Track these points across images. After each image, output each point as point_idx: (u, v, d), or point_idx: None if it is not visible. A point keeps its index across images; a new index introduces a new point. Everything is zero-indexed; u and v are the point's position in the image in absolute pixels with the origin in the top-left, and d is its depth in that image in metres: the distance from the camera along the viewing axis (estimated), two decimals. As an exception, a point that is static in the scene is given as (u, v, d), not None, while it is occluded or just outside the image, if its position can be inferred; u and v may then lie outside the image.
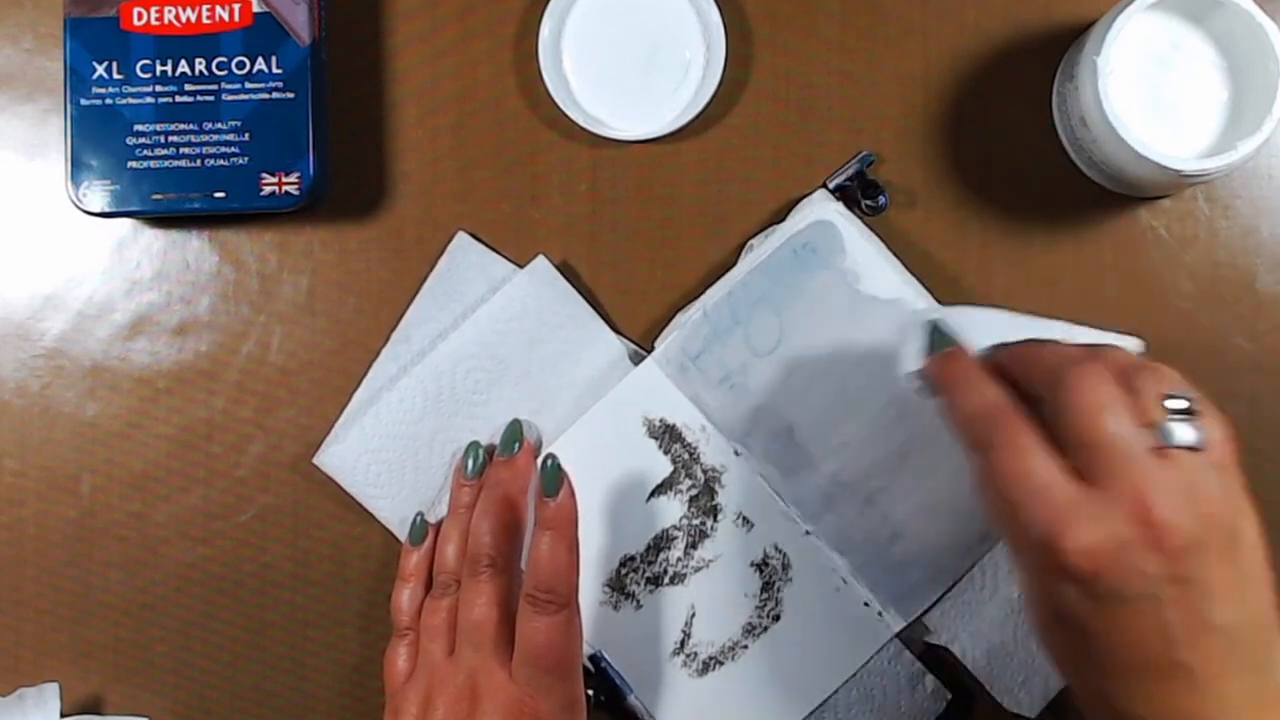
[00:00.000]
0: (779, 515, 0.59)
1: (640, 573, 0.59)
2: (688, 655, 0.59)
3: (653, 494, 0.60)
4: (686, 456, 0.59)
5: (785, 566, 0.59)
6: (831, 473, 0.59)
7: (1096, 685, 0.46)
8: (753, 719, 0.59)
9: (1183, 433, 0.44)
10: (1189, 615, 0.43)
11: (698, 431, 0.59)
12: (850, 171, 0.60)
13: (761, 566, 0.59)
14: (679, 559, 0.59)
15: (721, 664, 0.59)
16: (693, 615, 0.59)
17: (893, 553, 0.59)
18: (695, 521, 0.59)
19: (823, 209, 0.59)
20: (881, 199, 0.59)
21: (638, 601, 0.60)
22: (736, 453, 0.59)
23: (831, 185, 0.60)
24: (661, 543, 0.59)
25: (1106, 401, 0.44)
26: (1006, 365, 0.49)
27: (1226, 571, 0.44)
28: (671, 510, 0.60)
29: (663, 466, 0.60)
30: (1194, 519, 0.43)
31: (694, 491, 0.59)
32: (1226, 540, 0.44)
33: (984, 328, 0.52)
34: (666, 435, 0.59)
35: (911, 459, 0.58)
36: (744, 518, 0.59)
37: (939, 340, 0.52)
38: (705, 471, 0.59)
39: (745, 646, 0.59)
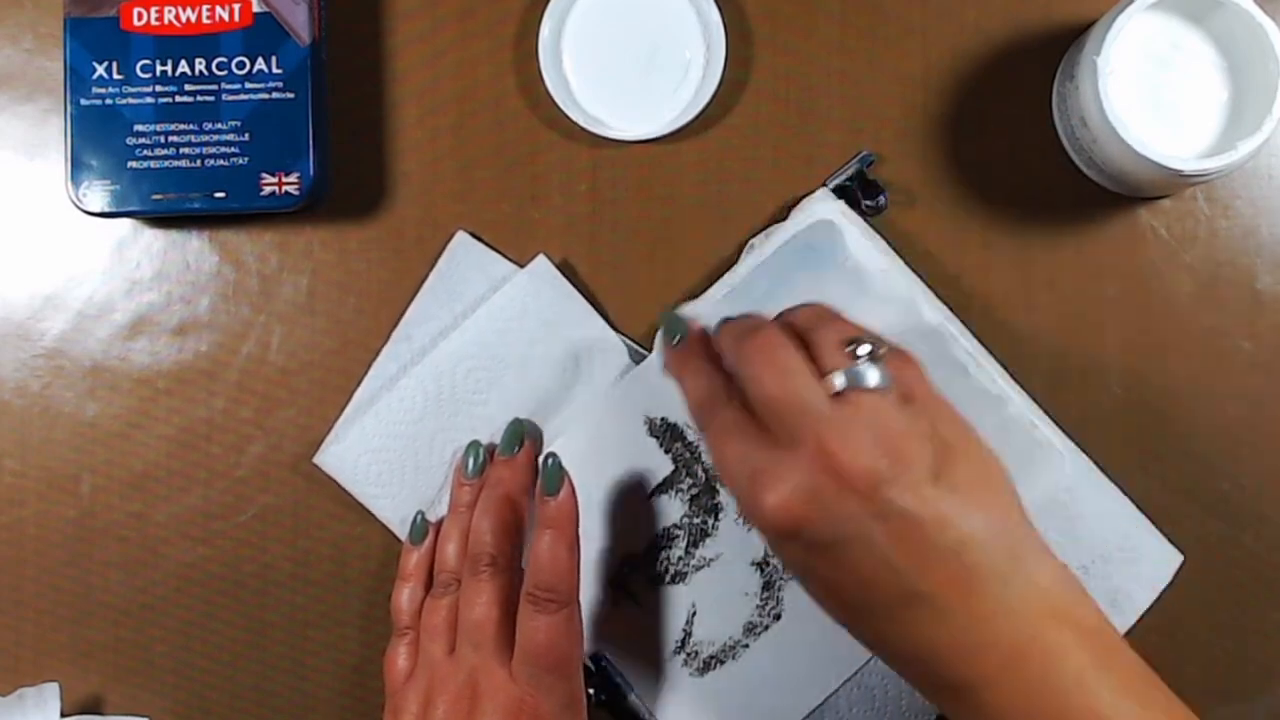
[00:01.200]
0: None
1: (641, 571, 0.59)
2: (689, 654, 0.59)
3: (654, 492, 0.60)
4: (688, 455, 0.59)
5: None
6: None
7: (860, 628, 0.47)
8: (753, 718, 0.59)
9: (862, 376, 0.45)
10: (909, 546, 0.44)
11: (699, 431, 0.59)
12: (850, 171, 0.60)
13: (763, 565, 0.59)
14: (680, 558, 0.59)
15: (722, 663, 0.59)
16: (694, 614, 0.59)
17: None
18: (696, 520, 0.59)
19: (824, 208, 0.59)
20: (881, 199, 0.60)
21: (638, 600, 0.60)
22: None
23: (831, 185, 0.60)
24: (662, 541, 0.59)
25: (778, 364, 0.46)
26: (717, 347, 0.51)
27: (937, 494, 0.44)
28: (673, 509, 0.60)
29: (664, 465, 0.60)
30: (881, 455, 0.44)
31: (695, 490, 0.59)
32: (930, 465, 0.44)
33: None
34: (668, 434, 0.59)
35: None
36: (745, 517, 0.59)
37: (673, 328, 0.53)
38: (706, 470, 0.59)
39: (746, 645, 0.59)
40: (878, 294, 0.58)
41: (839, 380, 0.45)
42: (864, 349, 0.46)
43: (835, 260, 0.58)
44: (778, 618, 0.59)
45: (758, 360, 0.46)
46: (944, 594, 0.44)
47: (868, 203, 0.60)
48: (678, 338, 0.52)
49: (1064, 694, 0.44)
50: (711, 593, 0.59)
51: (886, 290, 0.58)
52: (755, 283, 0.59)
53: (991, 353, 0.59)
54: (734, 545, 0.59)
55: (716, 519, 0.59)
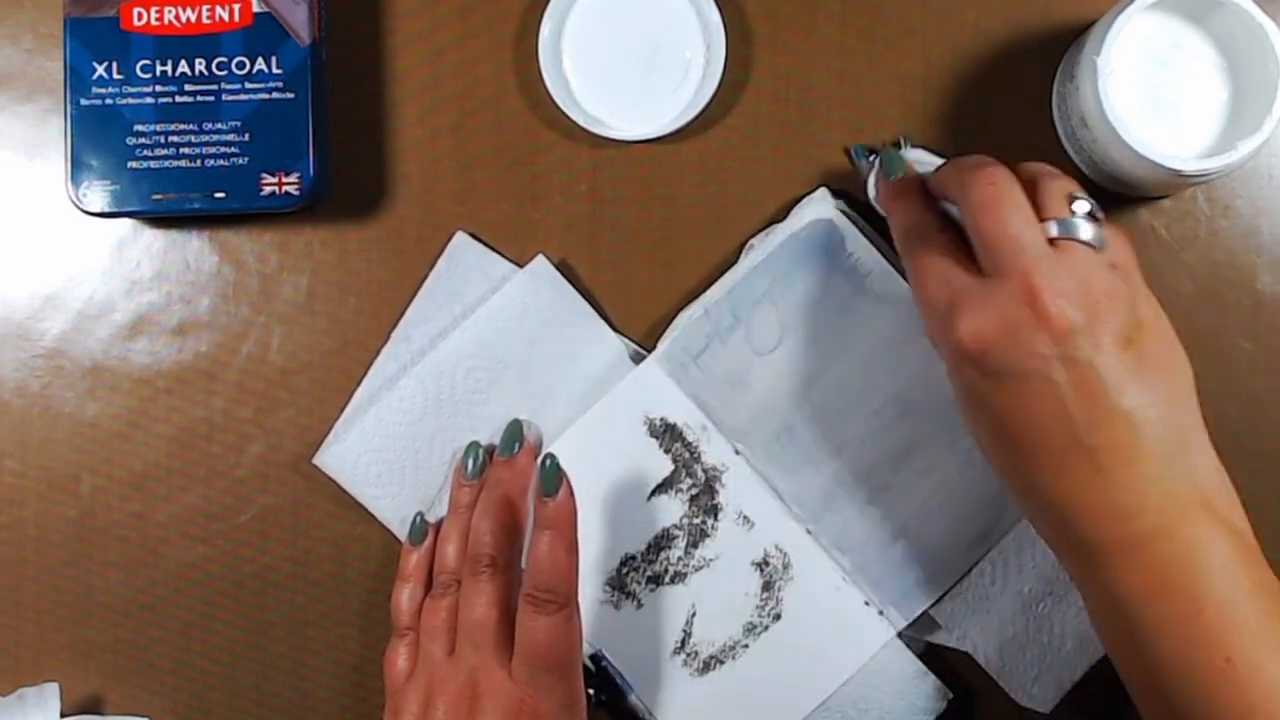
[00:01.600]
0: (780, 514, 0.59)
1: (641, 572, 0.60)
2: (688, 654, 0.59)
3: (653, 493, 0.60)
4: (687, 455, 0.59)
5: (786, 566, 0.59)
6: (832, 472, 0.59)
7: (1013, 470, 0.49)
8: (753, 718, 0.59)
9: (1079, 228, 0.47)
10: (1086, 397, 0.46)
11: (698, 430, 0.59)
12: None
13: (762, 566, 0.59)
14: (679, 558, 0.59)
15: (722, 663, 0.59)
16: (693, 614, 0.59)
17: (894, 552, 0.59)
18: (696, 520, 0.59)
19: (823, 207, 0.59)
20: None
21: (638, 601, 0.60)
22: (737, 451, 0.59)
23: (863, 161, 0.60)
24: (662, 542, 0.59)
25: (1001, 198, 0.48)
26: (937, 184, 0.53)
27: (1124, 358, 0.46)
28: (672, 509, 0.60)
29: (663, 465, 0.60)
30: (1082, 305, 0.46)
31: (694, 491, 0.59)
32: (1124, 329, 0.46)
33: None
34: (667, 434, 0.59)
35: (913, 457, 0.58)
36: (745, 517, 0.59)
37: (893, 166, 0.56)
38: (706, 471, 0.59)
39: (746, 646, 0.59)
40: (876, 292, 0.58)
41: (1056, 227, 0.47)
42: (1085, 205, 0.48)
43: (834, 259, 0.58)
44: (778, 618, 0.59)
45: (984, 191, 0.48)
46: (1107, 452, 0.46)
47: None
48: (895, 174, 0.55)
49: (1200, 576, 0.46)
50: (711, 593, 0.59)
51: (885, 288, 0.58)
52: (755, 282, 0.59)
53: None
54: (733, 546, 0.59)
55: (716, 519, 0.59)
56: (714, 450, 0.59)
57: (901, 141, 0.60)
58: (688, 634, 0.59)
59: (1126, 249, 0.50)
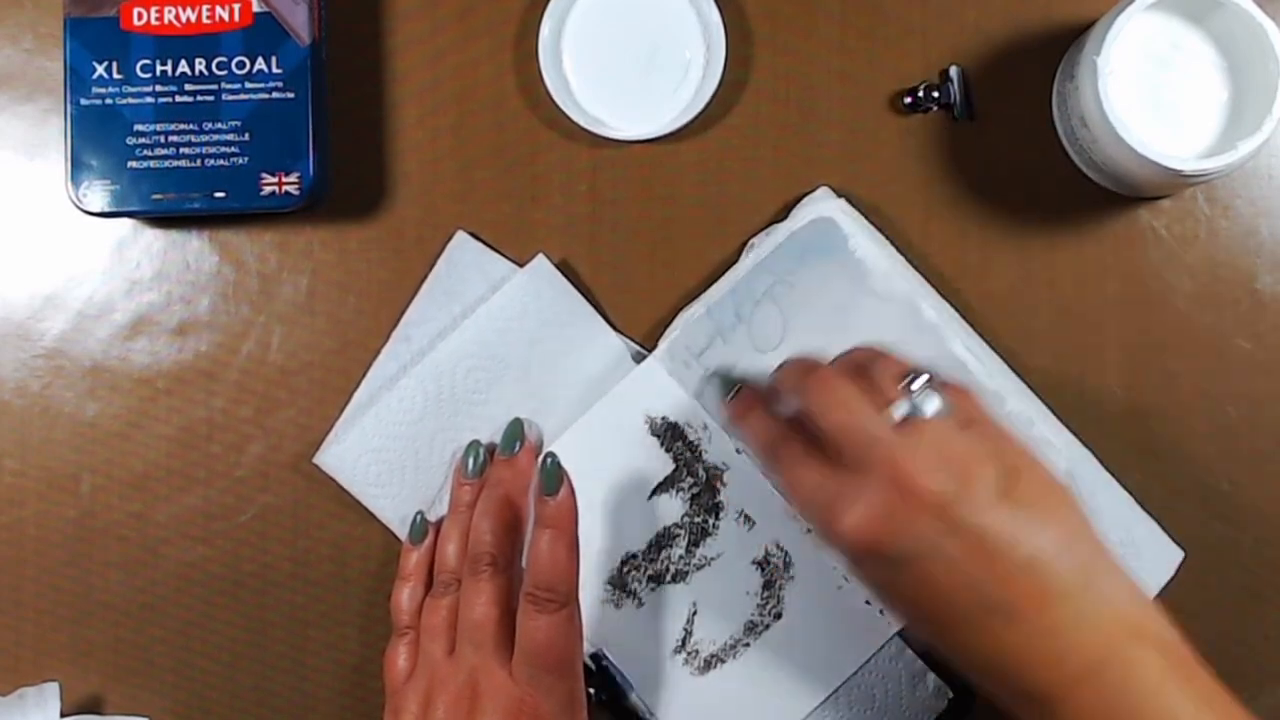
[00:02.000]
0: (781, 513, 0.59)
1: (642, 570, 0.59)
2: (689, 653, 0.59)
3: (654, 492, 0.60)
4: (689, 454, 0.59)
5: (787, 565, 0.59)
6: None
7: (940, 639, 0.49)
8: (754, 717, 0.59)
9: (923, 404, 0.48)
10: (982, 560, 0.46)
11: (700, 429, 0.59)
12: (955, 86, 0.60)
13: (763, 565, 0.59)
14: (681, 557, 0.59)
15: (723, 662, 0.59)
16: (694, 613, 0.59)
17: None
18: (697, 519, 0.59)
19: (825, 206, 0.59)
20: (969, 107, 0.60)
21: (639, 599, 0.60)
22: (739, 450, 0.59)
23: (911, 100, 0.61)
24: (663, 540, 0.59)
25: (839, 398, 0.49)
26: (776, 390, 0.55)
27: (1007, 510, 0.47)
28: (673, 508, 0.60)
29: (665, 464, 0.60)
30: (951, 474, 0.47)
31: (696, 489, 0.59)
32: (996, 483, 0.47)
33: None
34: (669, 433, 0.59)
35: None
36: (746, 516, 0.59)
37: (725, 387, 0.59)
38: (707, 469, 0.59)
39: (747, 645, 0.59)
40: (878, 291, 0.58)
41: (900, 410, 0.48)
42: (920, 380, 0.49)
43: (836, 257, 0.59)
44: (778, 617, 0.59)
45: (823, 395, 0.50)
46: (1020, 604, 0.46)
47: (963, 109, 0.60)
48: (733, 393, 0.58)
49: (1142, 703, 0.46)
50: (712, 592, 0.59)
51: (886, 287, 0.58)
52: (757, 280, 0.59)
53: (995, 350, 0.60)
54: (735, 544, 0.59)
55: (717, 518, 0.59)
56: (716, 449, 0.59)
57: (959, 75, 0.60)
58: (689, 632, 0.59)
59: (972, 401, 0.50)
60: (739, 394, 0.57)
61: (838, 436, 0.49)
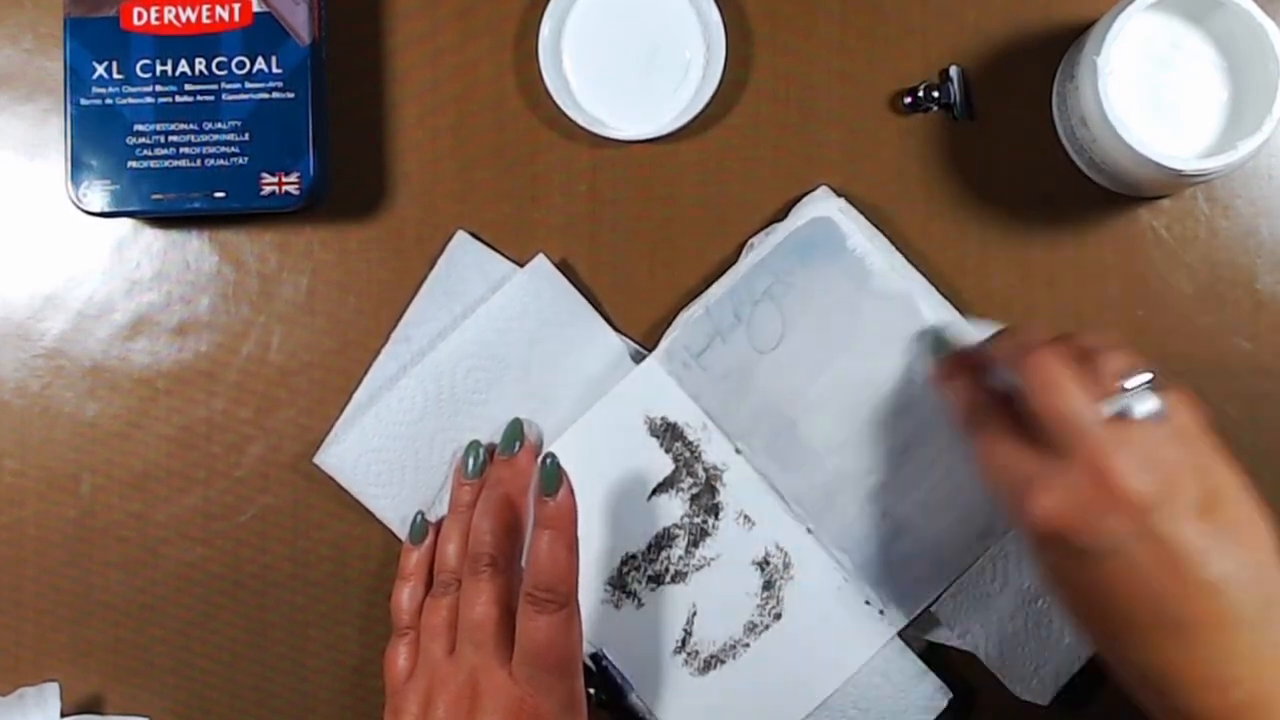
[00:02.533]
0: (780, 513, 0.59)
1: (642, 571, 0.59)
2: (689, 654, 0.59)
3: (654, 492, 0.60)
4: (688, 455, 0.59)
5: (787, 565, 0.59)
6: (833, 469, 0.59)
7: (1106, 642, 0.49)
8: (754, 717, 0.59)
9: (1139, 404, 0.47)
10: (1169, 572, 0.46)
11: (699, 430, 0.59)
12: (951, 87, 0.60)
13: (763, 565, 0.59)
14: (680, 557, 0.59)
15: (723, 662, 0.59)
16: (694, 614, 0.59)
17: (894, 550, 0.59)
18: (696, 520, 0.59)
19: (824, 206, 0.59)
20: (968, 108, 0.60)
21: (639, 600, 0.60)
22: (738, 450, 0.59)
23: (911, 100, 0.60)
24: (663, 541, 0.59)
25: (1057, 380, 0.48)
26: (990, 358, 0.54)
27: (1203, 528, 0.46)
28: (673, 508, 0.60)
29: (664, 465, 0.60)
30: (1154, 480, 0.46)
31: (695, 490, 0.59)
32: (1200, 499, 0.46)
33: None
34: (668, 433, 0.59)
35: (913, 453, 0.59)
36: (745, 516, 0.59)
37: (937, 346, 0.58)
38: (707, 470, 0.59)
39: (747, 645, 0.59)
40: (877, 291, 0.58)
41: (1115, 405, 0.48)
42: (1142, 378, 0.48)
43: (834, 257, 0.59)
44: (778, 617, 0.59)
45: (1041, 374, 0.49)
46: (1197, 625, 0.46)
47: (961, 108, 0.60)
48: (940, 352, 0.57)
49: None
50: (712, 592, 0.59)
51: (885, 287, 0.58)
52: (756, 280, 0.59)
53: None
54: (734, 545, 0.59)
55: (717, 518, 0.59)
56: (715, 449, 0.59)
57: (959, 74, 0.60)
58: (688, 633, 0.59)
59: (1190, 414, 0.49)
60: (949, 356, 0.57)
61: (1048, 418, 0.48)
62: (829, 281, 0.59)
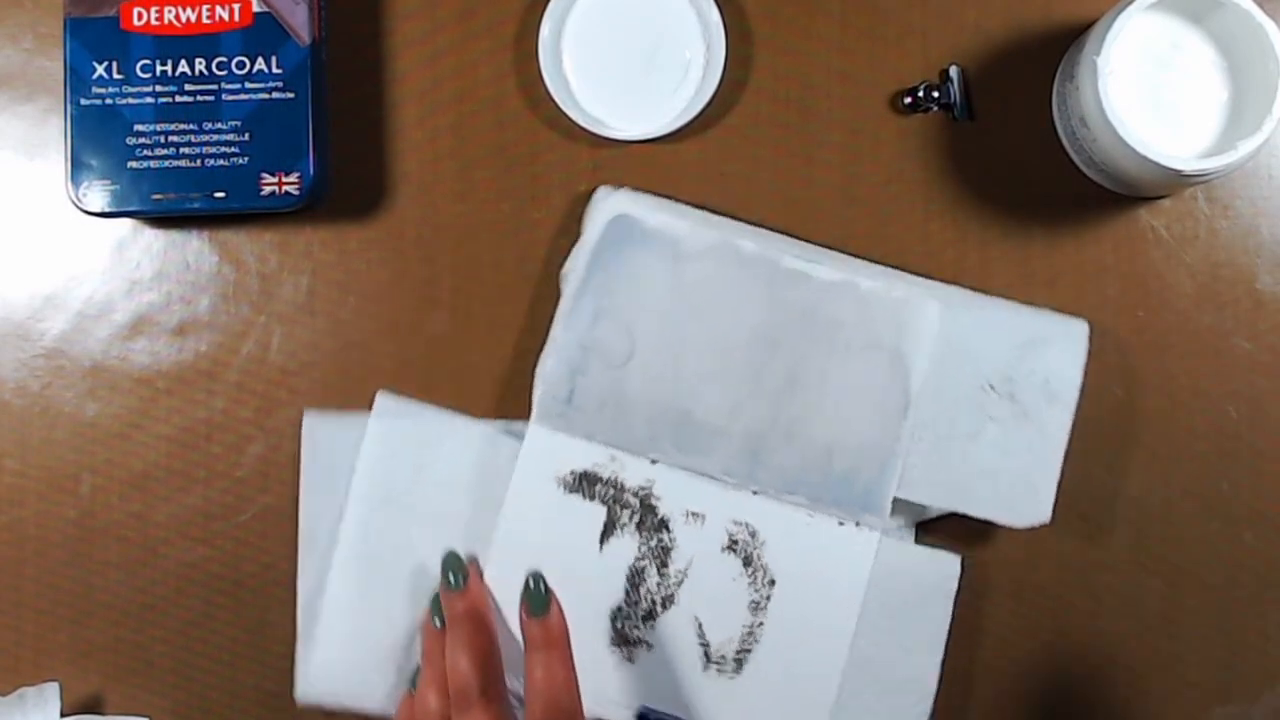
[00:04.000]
0: (721, 493, 0.59)
1: (633, 617, 0.59)
2: (718, 661, 0.59)
3: (602, 541, 0.59)
4: (613, 491, 0.59)
5: (753, 534, 0.59)
6: (742, 429, 0.59)
7: None
8: (808, 681, 0.59)
9: None
10: None
11: (609, 464, 0.59)
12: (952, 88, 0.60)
13: (732, 546, 0.59)
14: (658, 584, 0.59)
15: (749, 650, 0.59)
16: (700, 624, 0.59)
17: (833, 467, 0.59)
18: (652, 543, 0.59)
19: (611, 205, 0.59)
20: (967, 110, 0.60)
21: (647, 644, 0.59)
22: (654, 461, 0.59)
23: (910, 100, 0.61)
24: (635, 579, 0.59)
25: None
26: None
27: None
28: (627, 546, 0.59)
29: (597, 512, 0.59)
30: None
31: (636, 517, 0.59)
32: None
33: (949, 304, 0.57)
34: (584, 482, 0.59)
35: (803, 374, 0.59)
36: (692, 514, 0.59)
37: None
38: (636, 494, 0.59)
39: (761, 623, 0.59)
40: (691, 252, 0.59)
41: None
42: None
43: (640, 245, 0.59)
44: (773, 583, 0.59)
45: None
46: None
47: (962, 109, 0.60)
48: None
49: None
50: (704, 597, 0.59)
51: (700, 244, 0.59)
52: (582, 307, 0.59)
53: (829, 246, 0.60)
54: (698, 544, 0.59)
55: (669, 530, 0.59)
56: (633, 472, 0.59)
57: (958, 75, 0.60)
58: (706, 644, 0.59)
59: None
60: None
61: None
62: (645, 269, 0.59)
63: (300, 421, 0.62)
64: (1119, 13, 0.54)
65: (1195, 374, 0.61)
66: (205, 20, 0.59)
